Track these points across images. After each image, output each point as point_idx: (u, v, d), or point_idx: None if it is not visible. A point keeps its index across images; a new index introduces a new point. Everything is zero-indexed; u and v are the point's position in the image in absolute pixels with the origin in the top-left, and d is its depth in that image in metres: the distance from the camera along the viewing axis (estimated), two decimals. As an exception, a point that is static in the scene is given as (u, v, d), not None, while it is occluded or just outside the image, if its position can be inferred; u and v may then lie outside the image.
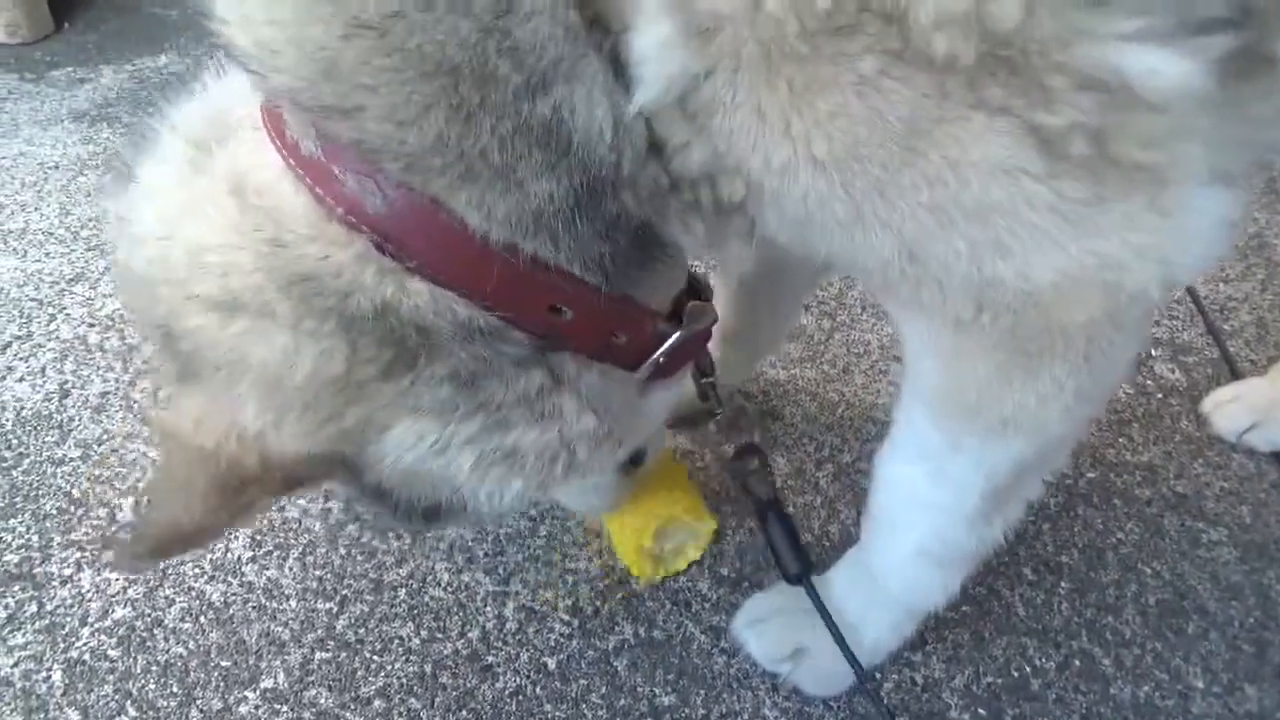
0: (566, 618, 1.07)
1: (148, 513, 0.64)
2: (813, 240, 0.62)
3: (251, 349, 0.59)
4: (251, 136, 0.59)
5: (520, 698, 1.00)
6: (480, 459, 0.68)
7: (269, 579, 1.10)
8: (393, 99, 0.53)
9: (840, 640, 0.91)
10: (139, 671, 1.01)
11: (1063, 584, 1.11)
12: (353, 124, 0.54)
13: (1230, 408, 1.31)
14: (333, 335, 0.59)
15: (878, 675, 1.01)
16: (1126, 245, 0.56)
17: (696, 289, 0.77)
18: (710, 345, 0.85)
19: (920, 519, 0.82)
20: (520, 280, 0.60)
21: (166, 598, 1.08)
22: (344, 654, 1.03)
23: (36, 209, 1.71)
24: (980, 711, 0.99)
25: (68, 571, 1.11)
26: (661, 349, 0.71)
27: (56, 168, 1.83)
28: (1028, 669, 1.03)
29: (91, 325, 1.46)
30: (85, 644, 1.04)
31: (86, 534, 1.15)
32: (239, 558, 1.12)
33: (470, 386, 0.65)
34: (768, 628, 1.01)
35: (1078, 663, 1.03)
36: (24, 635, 1.05)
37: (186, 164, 0.61)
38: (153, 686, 1.00)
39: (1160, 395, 1.36)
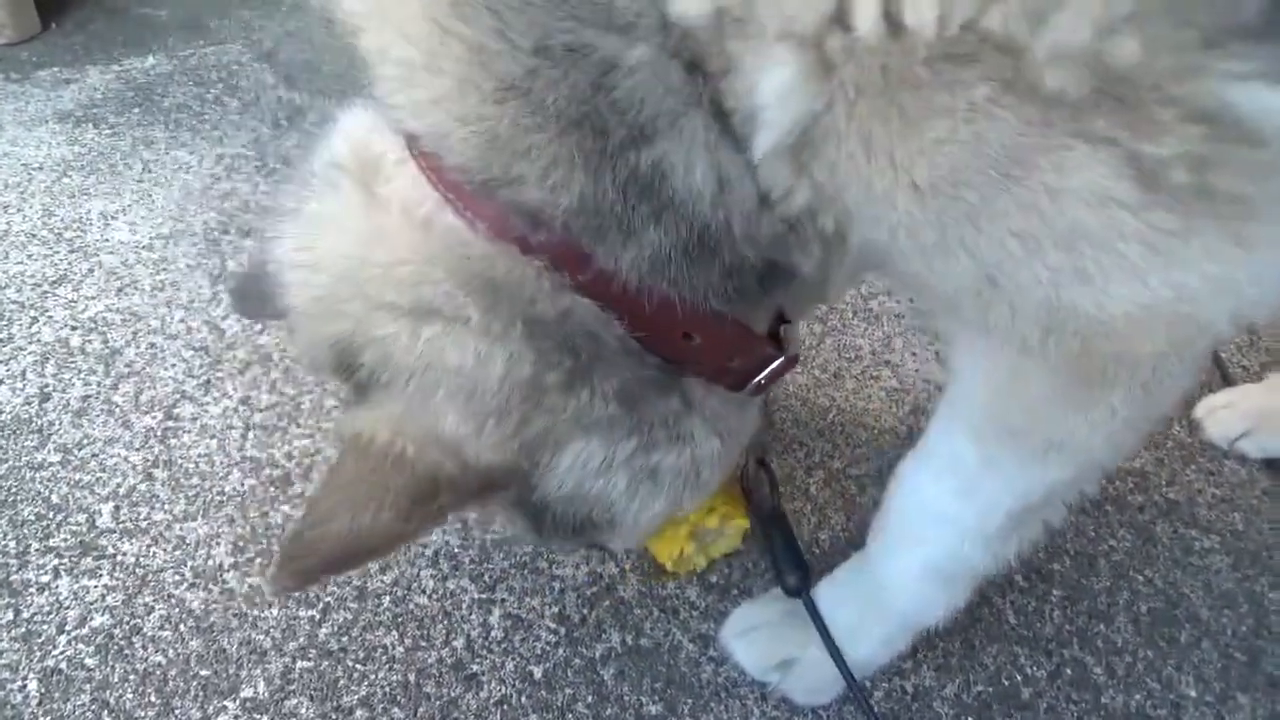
0: (553, 625, 1.05)
1: (319, 528, 0.63)
2: (888, 264, 0.63)
3: (445, 354, 0.62)
4: (402, 170, 0.63)
5: (505, 707, 0.98)
6: (632, 479, 0.74)
7: (251, 586, 1.08)
8: (543, 162, 0.57)
9: (836, 654, 0.90)
10: (116, 680, 0.99)
11: (1054, 591, 1.10)
12: (515, 191, 0.59)
13: (1223, 414, 1.30)
14: (520, 340, 0.63)
15: (868, 684, 0.99)
16: (1204, 278, 0.56)
17: (783, 314, 0.81)
18: None
19: (938, 534, 0.81)
20: (654, 316, 0.65)
21: (146, 605, 1.06)
22: (326, 663, 1.01)
23: (19, 210, 1.69)
24: (971, 721, 0.98)
25: (45, 578, 1.09)
26: (765, 371, 0.76)
27: (41, 169, 1.81)
28: (1019, 677, 1.02)
29: (74, 328, 1.44)
30: (62, 652, 1.02)
31: (64, 540, 1.13)
32: (220, 564, 1.11)
33: (633, 406, 0.70)
34: (756, 637, 1.00)
35: (1069, 671, 1.02)
36: (0, 643, 1.03)
37: (359, 196, 0.65)
38: (130, 696, 0.98)
39: (1165, 417, 1.35)
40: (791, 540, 0.97)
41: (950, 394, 0.76)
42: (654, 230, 0.60)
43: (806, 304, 0.96)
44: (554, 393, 0.66)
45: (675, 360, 0.70)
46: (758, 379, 0.76)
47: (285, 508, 1.17)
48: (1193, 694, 1.01)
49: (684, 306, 0.65)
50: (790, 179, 0.58)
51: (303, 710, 0.98)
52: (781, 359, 0.76)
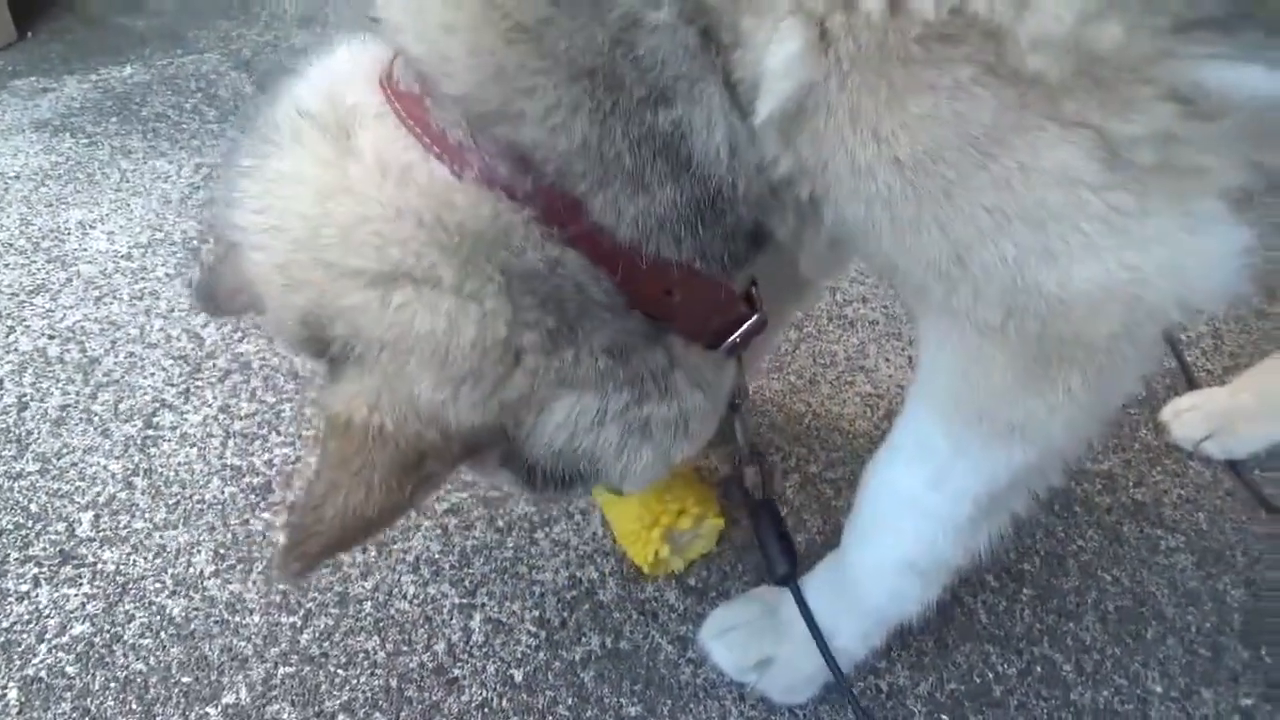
0: (533, 629, 1.07)
1: (314, 510, 0.63)
2: (862, 239, 0.65)
3: (415, 320, 0.62)
4: (380, 123, 0.62)
5: (487, 710, 0.99)
6: (624, 432, 0.74)
7: (231, 593, 1.09)
8: (546, 102, 0.58)
9: (823, 645, 0.91)
10: (97, 689, 1.00)
11: (1024, 591, 1.13)
12: (511, 127, 0.59)
13: (1188, 416, 1.33)
14: (496, 296, 0.62)
15: (848, 678, 1.01)
16: (1155, 261, 0.59)
17: (753, 279, 0.82)
18: None
19: (909, 526, 0.83)
20: (643, 271, 0.65)
21: (126, 613, 1.07)
22: (308, 668, 1.02)
23: (-4, 219, 1.69)
24: (944, 718, 1.00)
25: (24, 587, 1.09)
26: (741, 329, 0.77)
27: (17, 178, 1.81)
28: (990, 675, 1.04)
29: (51, 337, 1.44)
30: (42, 661, 1.02)
31: (44, 549, 1.13)
32: (201, 572, 1.11)
33: (624, 359, 0.70)
34: (734, 637, 1.01)
35: (1039, 669, 1.05)
36: (-22, 653, 1.03)
37: (327, 147, 0.63)
38: (111, 704, 0.98)
39: (1120, 405, 1.38)
40: (782, 529, 0.98)
41: (918, 379, 0.78)
42: (670, 187, 0.62)
43: (786, 289, 0.99)
44: (534, 353, 0.65)
45: (657, 316, 0.71)
46: (733, 337, 0.77)
47: (266, 515, 1.18)
48: (1159, 689, 1.03)
49: (671, 262, 0.66)
50: (777, 148, 0.60)
51: (285, 716, 0.98)
52: (755, 317, 0.77)
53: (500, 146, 0.60)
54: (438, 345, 0.62)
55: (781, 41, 0.55)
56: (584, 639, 1.06)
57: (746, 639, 1.01)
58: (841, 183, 0.60)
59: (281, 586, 1.09)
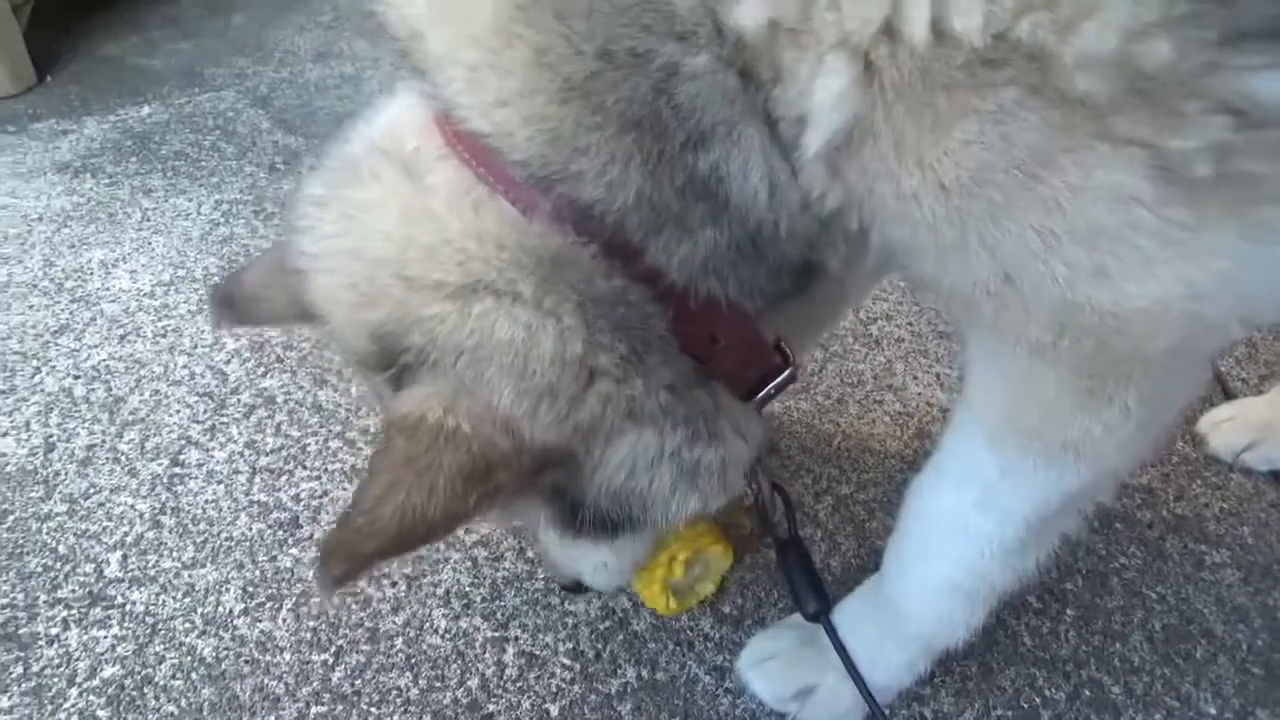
0: (567, 662, 1.05)
1: (370, 510, 0.62)
2: (907, 262, 0.65)
3: (495, 329, 0.63)
4: (443, 165, 0.64)
5: (523, 747, 0.98)
6: (677, 473, 0.74)
7: (262, 631, 1.08)
8: (601, 159, 0.59)
9: (858, 678, 0.89)
10: (129, 732, 0.99)
11: (1068, 611, 1.10)
12: (571, 186, 0.60)
13: (1227, 427, 1.31)
14: (573, 314, 0.63)
15: (887, 711, 0.99)
16: (1213, 274, 0.57)
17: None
18: None
19: (955, 548, 0.81)
20: (694, 314, 0.67)
21: (156, 654, 1.05)
22: (340, 707, 1.01)
23: (20, 261, 1.70)
24: (992, 745, 0.97)
25: (54, 630, 1.08)
26: (775, 381, 0.77)
27: (40, 219, 1.82)
28: (1037, 700, 1.01)
29: (77, 377, 1.44)
30: (73, 705, 1.01)
31: (73, 591, 1.12)
32: (230, 610, 1.10)
33: (682, 396, 0.71)
34: (773, 666, 0.99)
35: (1088, 692, 1.02)
36: (10, 698, 1.01)
37: (403, 180, 0.66)
38: (143, 748, 0.97)
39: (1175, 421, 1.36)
40: (809, 565, 0.97)
41: (966, 400, 0.77)
42: (711, 229, 0.62)
43: (822, 313, 0.98)
44: (607, 378, 0.66)
45: (703, 361, 0.72)
46: (766, 389, 0.77)
47: (294, 551, 1.17)
48: (1212, 711, 1.00)
49: (722, 305, 0.67)
50: (826, 182, 0.60)
51: (318, 756, 0.97)
52: (788, 371, 0.78)
53: (564, 202, 0.61)
54: (517, 355, 0.63)
55: (828, 75, 0.54)
56: (619, 671, 1.04)
57: (786, 668, 0.99)
58: (887, 209, 0.59)
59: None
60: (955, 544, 0.80)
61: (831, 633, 0.92)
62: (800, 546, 0.98)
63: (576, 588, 1.02)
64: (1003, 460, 0.73)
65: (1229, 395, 1.39)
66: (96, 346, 1.50)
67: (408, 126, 0.67)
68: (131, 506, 1.23)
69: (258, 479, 1.27)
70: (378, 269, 0.65)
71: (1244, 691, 1.02)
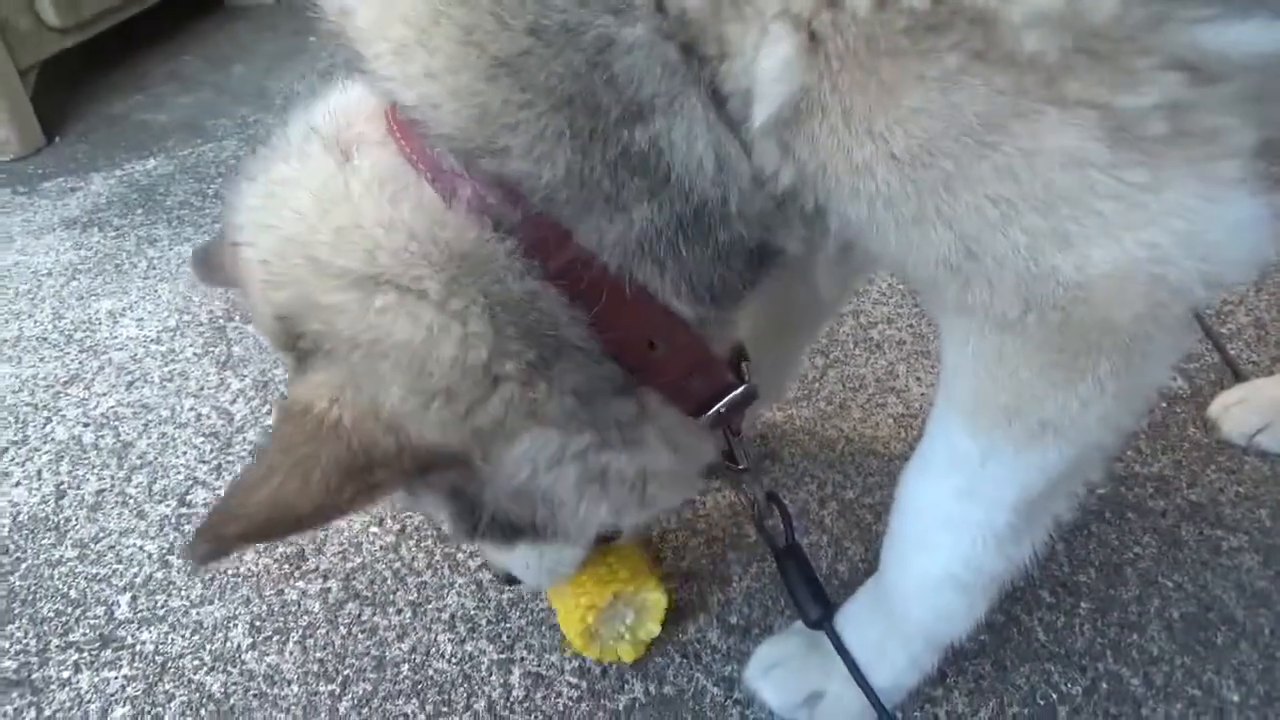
0: (574, 680, 1.04)
1: (242, 493, 0.61)
2: (868, 240, 0.64)
3: (394, 327, 0.62)
4: (381, 150, 0.63)
5: (532, 768, 0.97)
6: (581, 476, 0.73)
7: (269, 665, 1.08)
8: (530, 135, 0.58)
9: (863, 682, 0.88)
10: (140, 772, 0.99)
11: (1082, 604, 1.08)
12: (498, 161, 0.60)
13: (1238, 410, 1.28)
14: (480, 319, 0.62)
15: (899, 714, 0.97)
16: (1175, 236, 0.57)
17: (742, 351, 0.82)
18: None
19: (948, 539, 0.80)
20: (626, 308, 0.65)
21: (166, 692, 1.06)
22: (349, 737, 1.00)
23: (30, 315, 1.73)
24: (1009, 744, 0.95)
25: (66, 674, 1.09)
26: (726, 399, 0.76)
27: (50, 274, 1.86)
28: (1054, 696, 0.99)
29: (86, 425, 1.46)
30: (84, 748, 1.01)
31: (84, 634, 1.13)
32: (238, 645, 1.10)
33: (589, 402, 0.69)
34: (781, 674, 0.98)
35: (1105, 685, 1.00)
36: (22, 744, 1.02)
37: (332, 161, 0.65)
38: (154, 786, 0.97)
39: (1165, 404, 1.34)
40: (809, 572, 0.95)
41: (943, 386, 0.76)
42: (646, 205, 0.61)
43: (797, 315, 0.96)
44: (511, 383, 0.65)
45: (636, 368, 0.70)
46: (717, 407, 0.76)
47: (300, 583, 1.17)
48: (1235, 699, 0.98)
49: (654, 309, 0.65)
50: (777, 159, 0.59)
51: (327, 787, 0.96)
52: (741, 389, 0.76)
53: (489, 178, 0.61)
54: (415, 355, 0.62)
55: (771, 45, 0.54)
56: (626, 687, 1.03)
57: (793, 675, 0.97)
58: (841, 184, 0.59)
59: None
60: (946, 535, 0.79)
61: (834, 639, 0.91)
62: (799, 555, 0.97)
63: (509, 579, 1.01)
64: (983, 444, 0.72)
65: (1239, 378, 1.36)
66: (105, 394, 1.52)
67: (358, 111, 0.66)
68: (140, 548, 1.24)
69: (264, 515, 1.27)
70: (288, 247, 0.65)
71: (1268, 677, 0.99)
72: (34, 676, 1.09)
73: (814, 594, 0.95)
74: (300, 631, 1.11)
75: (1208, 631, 1.04)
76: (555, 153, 0.59)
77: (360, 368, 0.63)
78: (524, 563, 0.91)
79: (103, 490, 1.34)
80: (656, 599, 1.01)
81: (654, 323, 0.67)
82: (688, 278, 0.66)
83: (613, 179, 0.60)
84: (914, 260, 0.63)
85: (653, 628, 1.02)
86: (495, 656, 1.07)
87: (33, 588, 1.20)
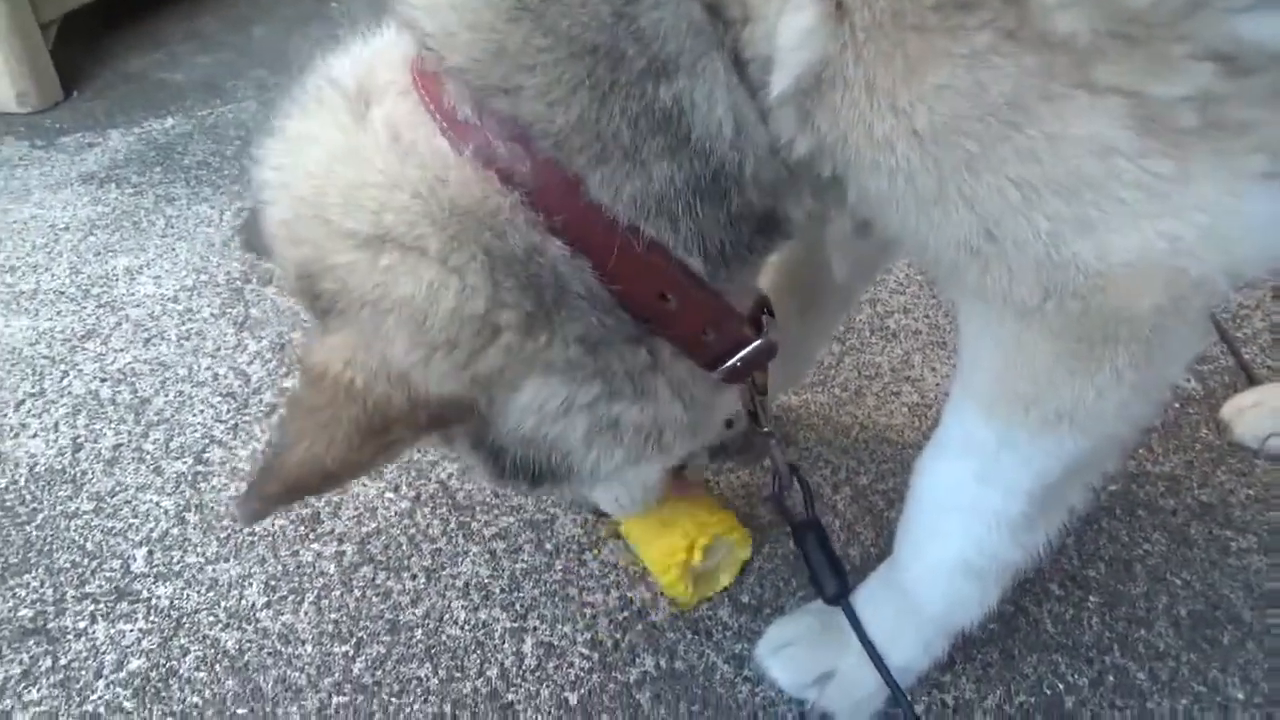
0: (586, 651, 1.05)
1: (280, 452, 0.64)
2: (887, 218, 0.64)
3: (397, 283, 0.63)
4: (403, 100, 0.64)
5: (542, 735, 0.98)
6: (591, 426, 0.73)
7: (284, 624, 1.09)
8: (546, 78, 0.58)
9: (878, 660, 0.88)
10: (154, 723, 1.00)
11: (1091, 598, 1.09)
12: (511, 101, 0.60)
13: (1252, 414, 1.29)
14: (478, 274, 0.63)
15: (907, 697, 0.98)
16: (1197, 228, 0.57)
17: (766, 305, 0.81)
18: None
19: (962, 525, 0.80)
20: (637, 262, 0.64)
21: (181, 647, 1.07)
22: (361, 697, 1.01)
23: (48, 269, 1.73)
24: (1014, 731, 0.96)
25: (82, 624, 1.10)
26: (742, 352, 0.76)
27: (67, 229, 1.85)
28: (1060, 686, 1.00)
29: (103, 380, 1.46)
30: (100, 697, 1.02)
31: (100, 586, 1.14)
32: (253, 604, 1.11)
33: (595, 351, 0.69)
34: (792, 653, 0.99)
35: (1111, 678, 1.01)
36: (39, 690, 1.03)
37: (346, 114, 0.65)
38: (169, 738, 0.99)
39: (1178, 405, 1.34)
40: (828, 547, 0.96)
41: (960, 372, 0.76)
42: (668, 163, 0.61)
43: (809, 279, 0.97)
44: (509, 331, 0.65)
45: (647, 319, 0.70)
46: (733, 360, 0.76)
47: (316, 545, 1.18)
48: (1240, 696, 0.99)
49: (666, 262, 0.66)
50: (795, 128, 0.60)
51: (340, 746, 0.97)
52: (758, 343, 0.76)
53: (500, 120, 0.61)
54: (416, 310, 0.63)
55: (794, 13, 0.54)
56: (638, 660, 1.04)
57: (804, 654, 0.98)
58: (861, 156, 0.59)
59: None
60: (961, 520, 0.80)
61: (851, 615, 0.91)
62: (819, 528, 0.98)
63: (599, 512, 1.05)
64: (999, 432, 0.72)
65: (1253, 381, 1.37)
66: (122, 350, 1.52)
67: (386, 60, 0.67)
68: (157, 504, 1.25)
69: (279, 476, 1.28)
70: (304, 207, 0.66)
71: (1274, 677, 1.00)
72: (50, 626, 1.10)
73: (832, 569, 0.95)
74: (315, 592, 1.12)
75: (1214, 630, 1.05)
76: (571, 100, 0.59)
77: (368, 326, 0.64)
78: (612, 496, 0.95)
79: (119, 445, 1.34)
80: (745, 550, 1.10)
81: (665, 275, 0.67)
82: (699, 237, 0.66)
83: (633, 133, 0.60)
84: (933, 241, 0.63)
85: (726, 579, 1.10)
86: (508, 625, 1.08)
87: (49, 538, 1.21)
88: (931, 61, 0.53)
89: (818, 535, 0.96)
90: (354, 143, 0.64)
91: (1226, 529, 1.17)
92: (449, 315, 0.63)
